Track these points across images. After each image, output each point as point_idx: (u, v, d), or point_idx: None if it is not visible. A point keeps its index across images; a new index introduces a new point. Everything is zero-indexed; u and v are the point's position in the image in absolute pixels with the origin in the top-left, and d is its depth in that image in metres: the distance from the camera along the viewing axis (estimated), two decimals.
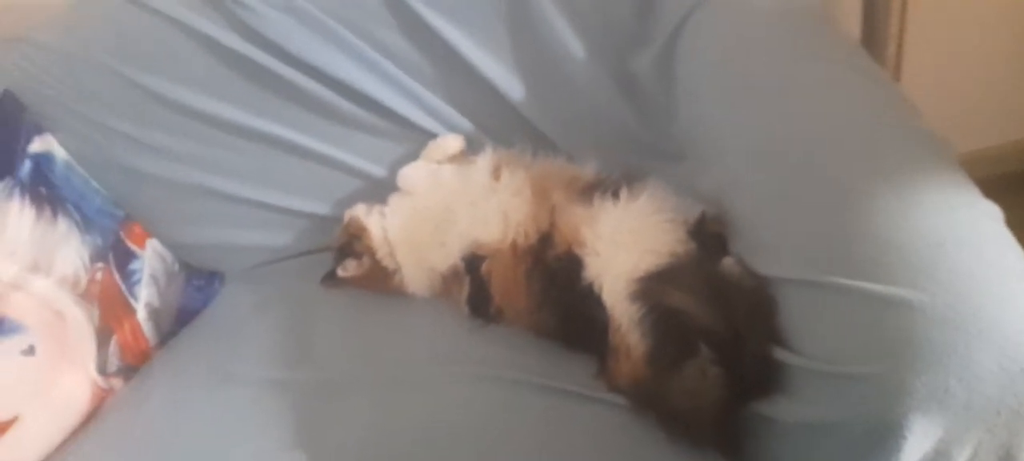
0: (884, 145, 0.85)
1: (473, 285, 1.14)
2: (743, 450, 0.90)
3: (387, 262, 1.23)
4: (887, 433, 0.71)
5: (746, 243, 0.93)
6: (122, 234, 1.35)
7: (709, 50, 1.13)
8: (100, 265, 1.29)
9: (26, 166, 1.24)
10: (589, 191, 1.08)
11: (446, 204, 1.19)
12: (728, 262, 0.94)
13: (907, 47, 1.49)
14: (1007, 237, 0.76)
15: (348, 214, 1.28)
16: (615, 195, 1.05)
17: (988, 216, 0.78)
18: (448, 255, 1.17)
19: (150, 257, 1.38)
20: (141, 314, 1.33)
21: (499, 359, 1.08)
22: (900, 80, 1.53)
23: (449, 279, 1.19)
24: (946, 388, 0.69)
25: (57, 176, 1.29)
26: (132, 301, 1.32)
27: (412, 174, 1.26)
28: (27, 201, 1.22)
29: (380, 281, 1.24)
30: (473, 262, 1.13)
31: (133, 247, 1.36)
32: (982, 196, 0.79)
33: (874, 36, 1.48)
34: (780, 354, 0.84)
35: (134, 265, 1.35)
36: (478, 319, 1.15)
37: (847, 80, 0.96)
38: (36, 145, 1.28)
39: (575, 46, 1.22)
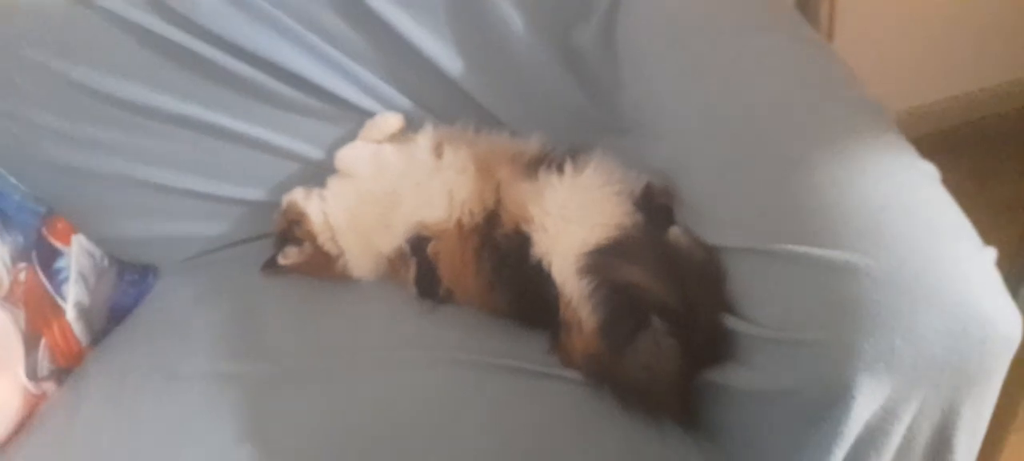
0: (825, 114, 0.86)
1: (420, 267, 1.13)
2: (698, 419, 0.91)
3: (329, 247, 1.21)
4: (837, 395, 0.73)
5: (693, 213, 0.94)
6: (44, 231, 1.28)
7: (650, 21, 1.12)
8: (23, 265, 1.22)
9: None
10: (534, 166, 1.07)
11: (388, 185, 1.17)
12: (675, 233, 0.95)
13: (840, 7, 1.51)
14: (945, 197, 0.78)
15: (286, 199, 1.25)
16: (560, 169, 1.04)
17: (926, 177, 0.80)
18: (392, 237, 1.15)
19: (77, 253, 1.31)
20: (70, 314, 1.27)
21: (451, 341, 1.07)
22: (833, 40, 1.55)
23: (395, 262, 1.17)
24: (892, 349, 0.70)
25: None
26: (60, 301, 1.26)
27: (350, 155, 1.23)
28: None
29: (323, 267, 1.22)
30: (419, 243, 1.12)
31: (57, 244, 1.29)
32: (919, 157, 0.81)
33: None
34: (731, 323, 0.85)
35: (60, 263, 1.28)
36: (427, 301, 1.13)
37: (789, 51, 0.97)
38: None
39: (516, 19, 1.20)
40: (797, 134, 0.85)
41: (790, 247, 0.77)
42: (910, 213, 0.75)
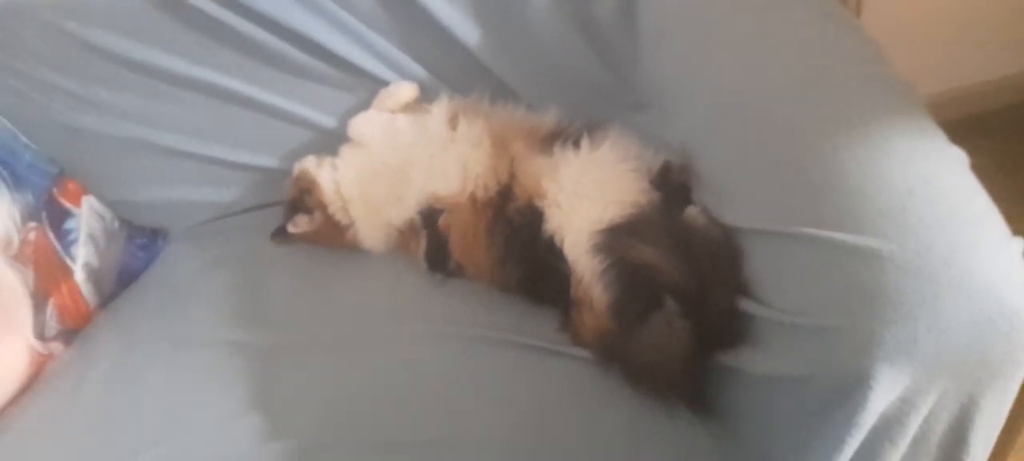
0: (853, 92, 0.84)
1: (431, 240, 1.11)
2: (709, 402, 0.90)
3: (340, 217, 1.19)
4: (854, 384, 0.71)
5: (712, 193, 0.91)
6: (55, 191, 1.28)
7: None
8: (33, 225, 1.22)
9: None
10: (549, 141, 1.05)
11: (401, 155, 1.15)
12: (693, 212, 0.93)
13: None
14: (974, 183, 0.75)
15: (297, 167, 1.23)
16: (576, 144, 1.02)
17: (955, 162, 0.77)
18: (404, 209, 1.14)
19: (87, 215, 1.31)
20: (79, 275, 1.27)
21: (460, 315, 1.06)
22: (860, 18, 1.51)
23: (405, 233, 1.15)
24: (915, 339, 0.69)
25: None
26: (69, 262, 1.26)
27: (364, 124, 1.21)
28: None
29: (333, 236, 1.20)
30: (430, 216, 1.10)
31: (68, 205, 1.29)
32: (948, 141, 0.79)
33: None
34: (747, 306, 0.83)
35: (70, 224, 1.28)
36: (437, 274, 1.12)
37: (814, 26, 0.94)
38: None
39: None
40: (821, 113, 0.82)
41: (811, 230, 0.75)
42: (937, 199, 0.73)
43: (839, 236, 0.73)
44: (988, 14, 1.63)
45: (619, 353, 0.92)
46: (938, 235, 0.70)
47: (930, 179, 0.74)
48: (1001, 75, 1.75)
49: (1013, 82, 1.75)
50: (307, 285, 1.21)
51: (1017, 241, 0.71)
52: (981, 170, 0.76)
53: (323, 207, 1.19)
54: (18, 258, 1.18)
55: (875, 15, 1.50)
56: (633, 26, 1.15)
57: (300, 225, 1.20)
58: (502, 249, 1.04)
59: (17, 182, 1.22)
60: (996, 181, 0.76)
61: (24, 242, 1.20)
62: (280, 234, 1.23)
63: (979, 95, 1.74)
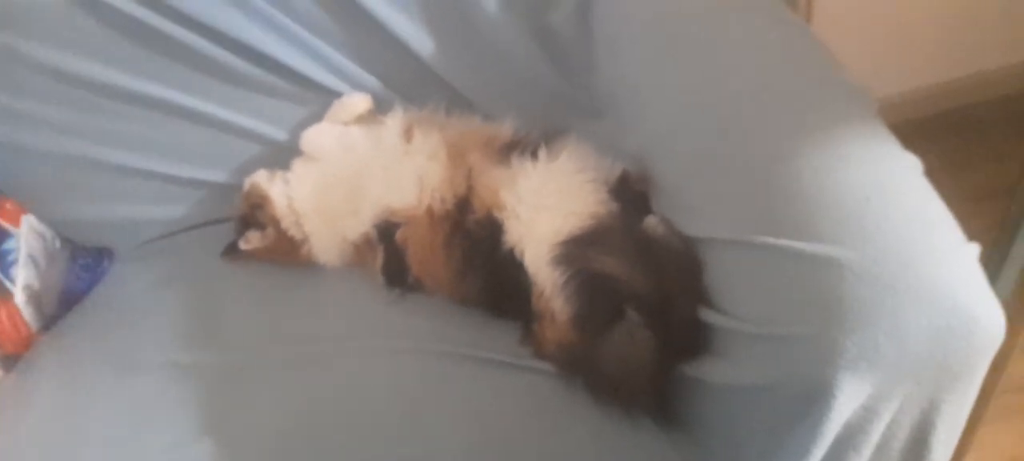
0: (808, 100, 0.84)
1: (388, 254, 1.09)
2: (674, 413, 0.89)
3: (293, 232, 1.16)
4: (818, 393, 0.71)
5: (671, 202, 0.91)
6: None
7: (627, 0, 1.09)
8: None
9: None
10: (507, 151, 1.04)
11: (355, 169, 1.13)
12: (652, 221, 0.92)
13: None
14: (928, 189, 0.76)
15: (248, 181, 1.20)
16: (534, 155, 1.01)
17: (910, 168, 0.78)
18: (359, 223, 1.11)
19: (26, 235, 1.26)
20: (19, 298, 1.21)
21: (420, 330, 1.04)
22: (811, 23, 1.53)
23: (362, 248, 1.13)
24: (876, 346, 0.69)
25: None
26: (8, 284, 1.20)
27: (316, 137, 1.18)
28: None
29: (286, 252, 1.17)
30: (387, 230, 1.08)
31: (6, 225, 1.23)
32: (901, 147, 0.79)
33: None
34: (709, 316, 0.82)
35: (8, 244, 1.23)
36: (395, 289, 1.10)
37: (769, 33, 0.94)
38: None
39: None
40: (778, 120, 0.82)
41: (770, 239, 0.75)
42: (894, 205, 0.73)
43: (798, 245, 0.72)
44: (933, 18, 1.66)
45: (582, 365, 0.91)
46: (895, 242, 0.70)
47: (886, 186, 0.74)
48: (949, 78, 1.79)
49: (960, 85, 1.79)
50: (260, 303, 1.18)
51: (972, 246, 0.72)
52: (931, 174, 0.76)
53: (275, 222, 1.16)
54: None
55: (824, 20, 1.52)
56: (588, 33, 1.15)
57: (252, 241, 1.17)
58: (461, 262, 1.02)
59: None
60: (945, 185, 0.76)
61: None
62: (231, 251, 1.20)
63: (926, 98, 1.77)
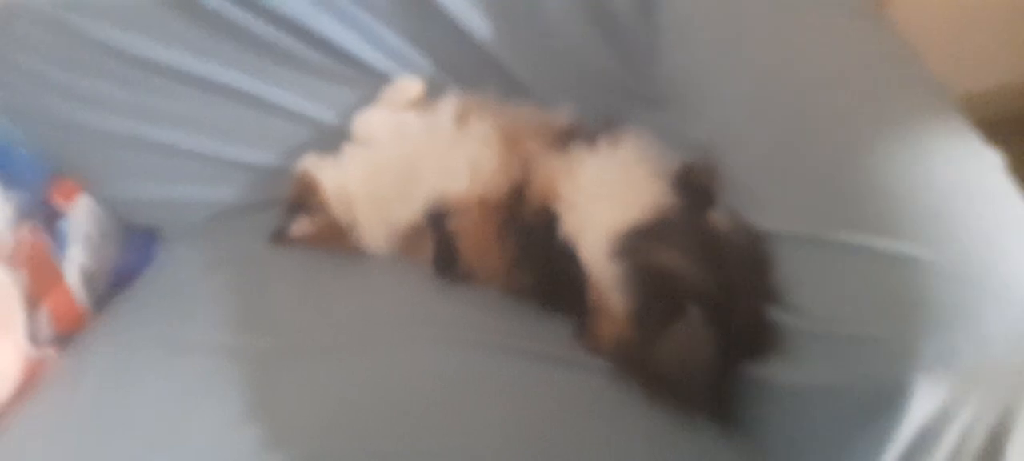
0: (886, 92, 0.81)
1: (438, 243, 1.07)
2: (735, 415, 0.86)
3: (343, 218, 1.16)
4: (891, 396, 0.68)
5: (739, 196, 0.88)
6: (50, 191, 1.24)
7: None
8: (26, 225, 1.18)
9: None
10: (564, 139, 1.02)
11: (407, 155, 1.12)
12: (717, 216, 0.89)
13: None
14: (1011, 187, 0.72)
15: (299, 166, 1.20)
16: (593, 143, 0.99)
17: (992, 165, 0.74)
18: (410, 210, 1.10)
19: (82, 215, 1.27)
20: (73, 277, 1.23)
21: (468, 321, 1.02)
22: (887, 13, 1.48)
23: (412, 236, 1.12)
24: (954, 349, 0.66)
25: None
26: (62, 263, 1.22)
27: (369, 121, 1.18)
28: None
29: (335, 238, 1.17)
30: (438, 218, 1.06)
31: (63, 204, 1.25)
32: (983, 143, 0.76)
33: None
34: (776, 314, 0.79)
35: (64, 224, 1.24)
36: (444, 278, 1.08)
37: (845, 22, 0.91)
38: None
39: None
40: (854, 113, 0.79)
41: (845, 235, 0.72)
42: (976, 202, 0.70)
43: (875, 241, 0.70)
44: (1015, 14, 1.60)
45: (639, 363, 0.88)
46: (977, 241, 0.67)
47: (968, 182, 0.72)
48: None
49: None
50: (308, 288, 1.18)
51: None
52: (1013, 173, 0.73)
53: (325, 207, 1.15)
54: (11, 260, 1.14)
55: (903, 12, 1.47)
56: (652, 20, 1.12)
57: (302, 226, 1.17)
58: (514, 252, 1.00)
59: (10, 181, 1.18)
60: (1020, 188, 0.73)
61: (17, 243, 1.16)
62: (280, 235, 1.20)
63: (1003, 98, 1.70)
